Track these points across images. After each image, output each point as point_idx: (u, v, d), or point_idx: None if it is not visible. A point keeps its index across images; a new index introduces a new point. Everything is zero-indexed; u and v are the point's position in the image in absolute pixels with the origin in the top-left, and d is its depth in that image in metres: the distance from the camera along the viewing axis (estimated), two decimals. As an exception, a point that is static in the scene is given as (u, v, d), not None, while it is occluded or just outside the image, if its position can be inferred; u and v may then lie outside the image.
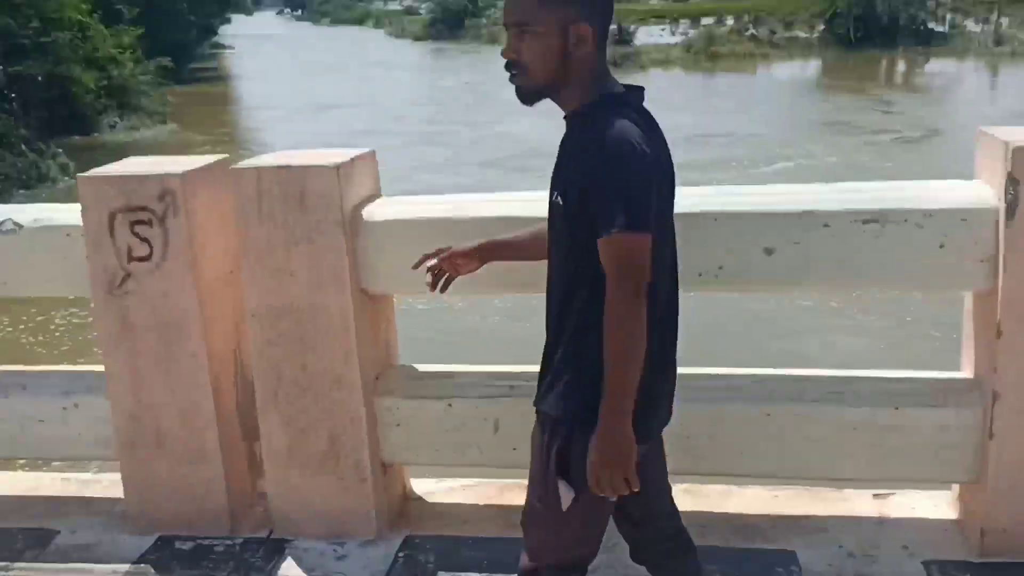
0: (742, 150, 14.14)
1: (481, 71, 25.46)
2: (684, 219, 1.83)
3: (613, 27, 1.77)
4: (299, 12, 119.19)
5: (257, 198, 2.33)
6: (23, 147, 14.21)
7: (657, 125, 1.65)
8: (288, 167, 2.32)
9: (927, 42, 26.88)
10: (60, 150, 14.55)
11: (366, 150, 2.50)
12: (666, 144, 1.67)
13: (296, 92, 24.35)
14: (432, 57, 36.23)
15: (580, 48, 1.59)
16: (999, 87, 21.70)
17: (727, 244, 2.23)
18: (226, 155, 2.55)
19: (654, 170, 1.58)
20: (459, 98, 21.40)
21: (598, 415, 1.54)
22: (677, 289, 1.72)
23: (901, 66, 25.40)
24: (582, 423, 1.58)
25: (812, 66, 26.47)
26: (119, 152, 16.22)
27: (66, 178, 13.50)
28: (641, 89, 1.68)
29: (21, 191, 12.96)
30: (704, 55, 26.57)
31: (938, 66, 24.09)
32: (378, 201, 2.49)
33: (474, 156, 14.48)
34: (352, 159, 2.39)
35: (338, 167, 2.30)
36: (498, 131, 16.02)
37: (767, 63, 26.89)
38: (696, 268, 2.17)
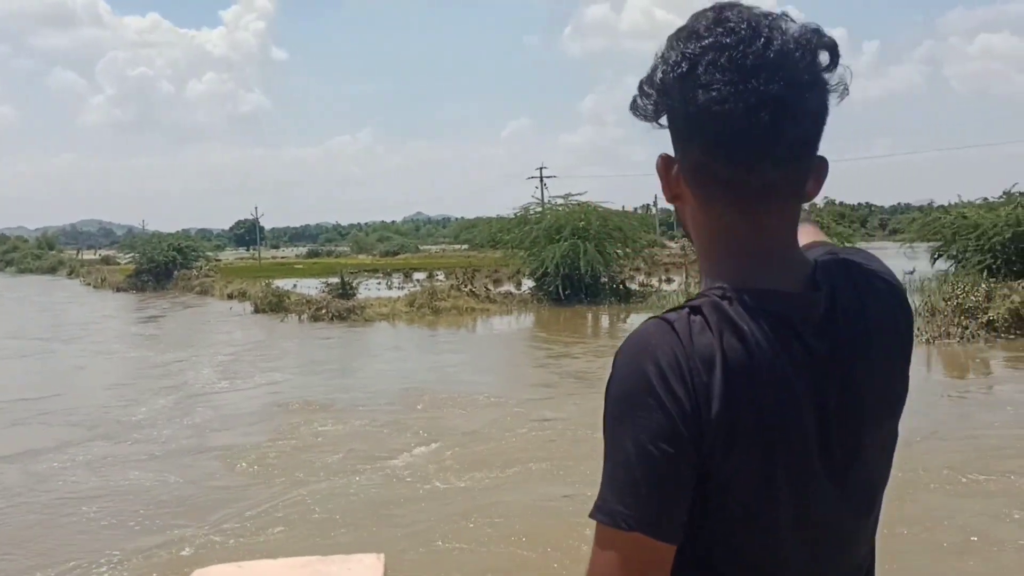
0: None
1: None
2: None
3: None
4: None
5: None
6: None
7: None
8: None
9: (627, 300, 29.18)
10: None
11: None
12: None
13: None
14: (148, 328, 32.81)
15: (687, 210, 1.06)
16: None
17: None
18: None
19: (691, 425, 0.94)
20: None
21: None
22: None
23: (605, 320, 27.13)
24: None
25: (528, 319, 27.47)
26: None
27: None
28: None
29: None
30: (428, 308, 26.53)
31: (638, 318, 26.00)
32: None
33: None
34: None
35: None
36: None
37: (487, 316, 27.52)
38: None
